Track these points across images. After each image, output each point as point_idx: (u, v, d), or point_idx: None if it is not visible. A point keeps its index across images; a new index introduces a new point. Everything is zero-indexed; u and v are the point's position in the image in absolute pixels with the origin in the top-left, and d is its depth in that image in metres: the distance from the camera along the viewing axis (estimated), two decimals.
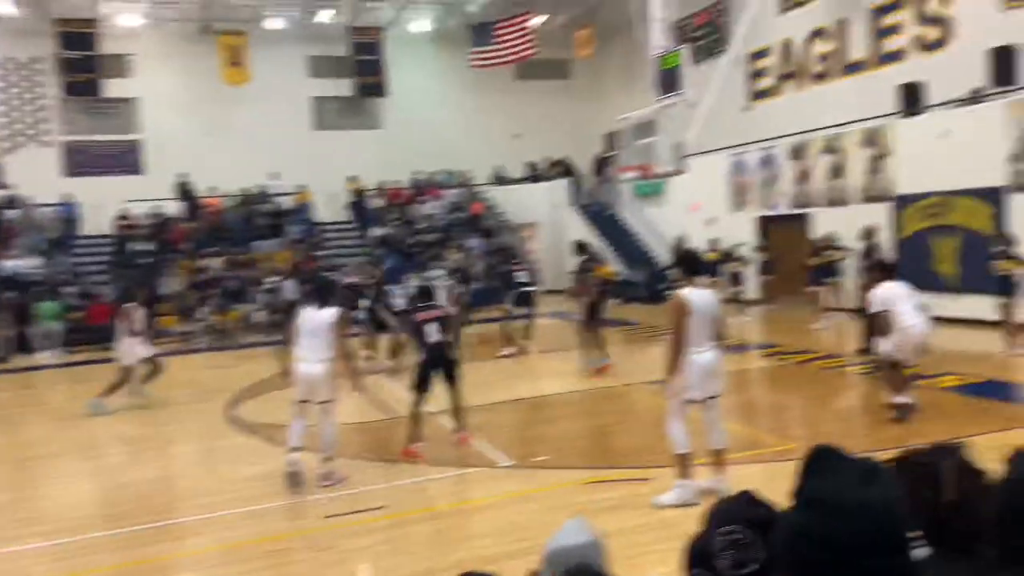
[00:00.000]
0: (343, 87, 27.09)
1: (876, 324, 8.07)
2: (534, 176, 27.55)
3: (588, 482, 6.64)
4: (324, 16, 25.65)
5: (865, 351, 9.97)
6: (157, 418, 10.74)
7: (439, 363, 7.85)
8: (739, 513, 1.64)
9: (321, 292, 7.52)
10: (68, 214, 23.00)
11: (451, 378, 7.94)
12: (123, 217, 22.68)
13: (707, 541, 1.63)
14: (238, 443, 8.86)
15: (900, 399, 8.04)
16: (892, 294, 7.95)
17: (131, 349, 11.19)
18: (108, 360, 16.95)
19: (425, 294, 8.78)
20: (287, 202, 24.73)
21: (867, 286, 8.88)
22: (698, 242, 19.92)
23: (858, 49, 18.56)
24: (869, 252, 12.86)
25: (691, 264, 6.23)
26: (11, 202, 22.67)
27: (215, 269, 20.86)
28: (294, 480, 6.87)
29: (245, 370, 14.54)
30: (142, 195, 23.35)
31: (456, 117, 27.87)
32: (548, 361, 13.65)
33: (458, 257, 22.62)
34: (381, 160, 26.47)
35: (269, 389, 12.13)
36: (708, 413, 6.10)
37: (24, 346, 18.14)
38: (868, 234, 13.34)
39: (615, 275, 22.64)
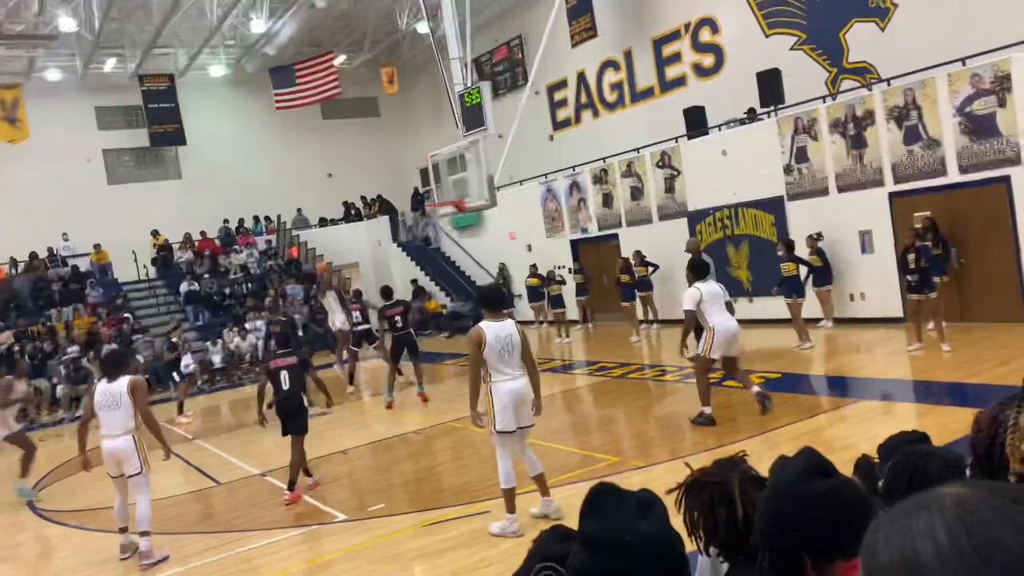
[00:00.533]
0: (137, 137, 25.62)
1: (686, 324, 8.59)
2: (352, 215, 27.24)
3: (425, 524, 6.59)
4: (108, 65, 24.17)
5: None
6: None
7: (287, 411, 7.91)
8: (552, 550, 1.69)
9: (109, 362, 7.12)
10: None
11: (296, 428, 7.96)
12: None
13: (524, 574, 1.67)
14: (42, 535, 8.05)
15: (707, 411, 8.56)
16: (700, 294, 8.39)
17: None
18: None
19: (283, 341, 8.71)
20: (83, 264, 22.91)
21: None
22: (519, 268, 20.50)
23: (645, 77, 19.92)
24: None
25: (491, 299, 6.41)
26: None
27: (5, 343, 18.89)
28: (130, 554, 6.81)
29: (49, 452, 13.29)
30: None
31: (264, 161, 27.09)
32: (378, 404, 13.47)
33: (278, 306, 21.87)
34: (186, 211, 25.19)
35: (78, 470, 11.13)
36: (520, 442, 6.24)
37: None
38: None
39: (441, 308, 22.81)
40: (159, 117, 25.24)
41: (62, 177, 24.16)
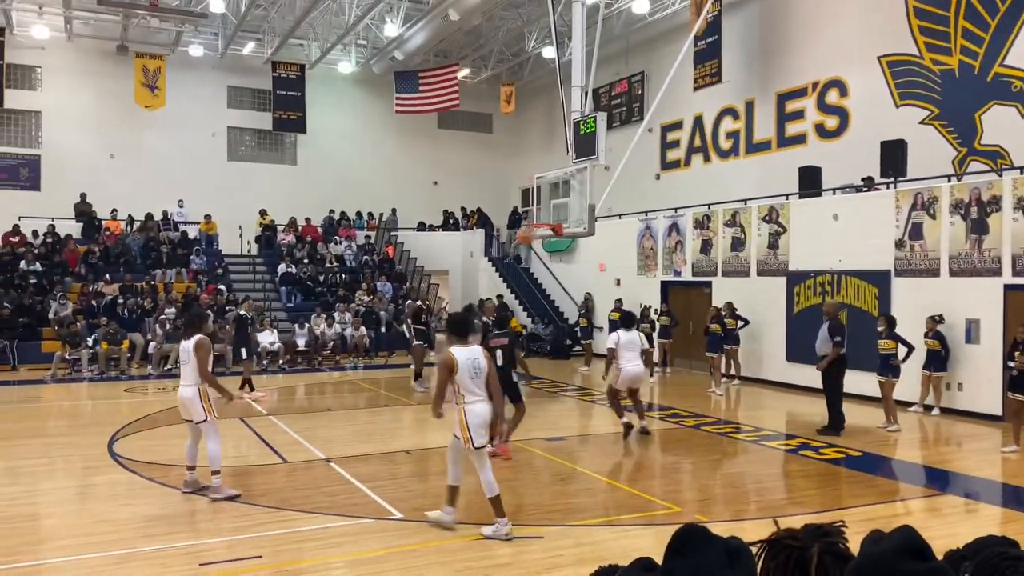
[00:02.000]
0: (261, 120, 26.76)
1: (607, 361, 10.87)
2: (450, 224, 27.72)
3: (476, 539, 6.58)
4: (247, 48, 25.39)
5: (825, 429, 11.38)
6: (29, 450, 10.11)
7: (505, 382, 8.92)
8: None
9: (187, 322, 8.33)
10: None
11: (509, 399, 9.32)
12: (14, 233, 21.53)
13: None
14: (115, 480, 8.41)
15: (623, 421, 10.77)
16: (620, 339, 10.67)
17: None
18: None
19: (499, 323, 10.33)
20: (192, 231, 24.02)
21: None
22: (604, 301, 20.38)
23: (763, 129, 19.60)
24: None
25: (458, 327, 6.83)
26: None
27: (109, 295, 19.95)
28: (191, 490, 7.71)
29: (133, 403, 13.93)
30: (37, 212, 22.28)
31: (374, 159, 27.90)
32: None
33: (367, 300, 22.37)
34: (294, 196, 26.18)
35: (157, 424, 11.63)
36: (481, 459, 6.67)
37: None
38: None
39: (521, 328, 22.87)
40: (284, 104, 26.31)
41: (187, 147, 25.46)
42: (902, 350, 11.94)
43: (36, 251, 21.08)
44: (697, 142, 21.77)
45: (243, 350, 14.91)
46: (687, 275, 18.79)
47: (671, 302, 18.83)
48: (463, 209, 27.98)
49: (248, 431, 11.38)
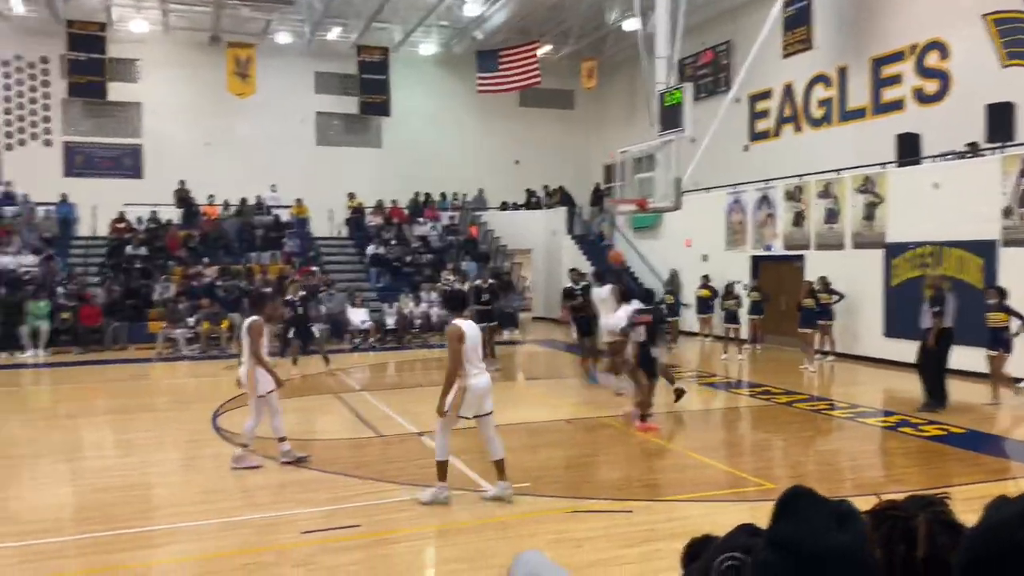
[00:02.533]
0: (347, 104, 27.28)
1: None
2: (532, 203, 27.73)
3: (568, 512, 6.62)
4: (333, 33, 25.89)
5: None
6: (140, 424, 10.69)
7: (645, 358, 9.96)
8: (738, 542, 1.65)
9: (251, 303, 9.08)
10: (65, 214, 22.98)
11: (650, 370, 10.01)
12: (120, 220, 22.68)
13: (706, 567, 1.64)
14: (220, 453, 8.82)
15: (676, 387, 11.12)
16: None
17: None
18: (94, 362, 16.94)
19: (646, 298, 10.55)
20: (284, 215, 24.79)
21: None
22: (691, 277, 20.06)
23: (857, 96, 18.81)
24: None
25: (455, 302, 7.34)
26: (9, 199, 22.66)
27: (209, 277, 20.83)
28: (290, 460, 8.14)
29: (232, 380, 14.53)
30: (140, 199, 23.37)
31: (457, 140, 28.10)
32: (533, 388, 13.65)
33: (453, 279, 22.66)
34: (380, 178, 26.66)
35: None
36: (484, 429, 6.90)
37: (10, 343, 18.04)
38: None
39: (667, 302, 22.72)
40: (370, 87, 26.75)
41: (277, 133, 26.21)
42: (1014, 323, 11.32)
43: (140, 236, 22.16)
44: (787, 111, 21.07)
45: (311, 327, 15.77)
46: (778, 249, 18.29)
47: (761, 277, 18.38)
48: (545, 187, 27.94)
49: (343, 406, 11.73)
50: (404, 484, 7.42)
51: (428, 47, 27.31)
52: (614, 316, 11.71)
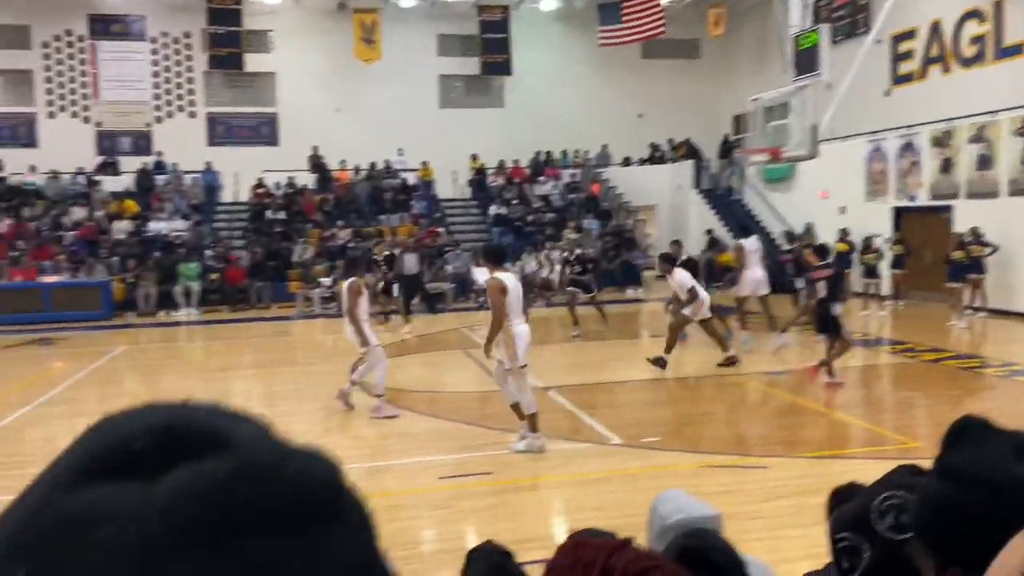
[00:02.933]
0: (469, 65, 27.43)
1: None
2: (656, 157, 27.14)
3: (698, 466, 6.56)
4: None
5: None
6: (285, 377, 11.33)
7: (822, 317, 9.40)
8: (902, 481, 1.60)
9: (345, 265, 9.33)
10: (210, 181, 24.42)
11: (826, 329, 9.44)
12: (259, 186, 23.87)
13: (864, 505, 1.60)
14: (361, 404, 9.23)
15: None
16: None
17: None
18: (241, 320, 18.06)
19: (821, 253, 10.01)
20: (411, 178, 25.38)
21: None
22: (827, 231, 19.17)
23: (1016, 31, 17.22)
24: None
25: (496, 255, 7.45)
26: (160, 168, 24.28)
27: (342, 239, 21.67)
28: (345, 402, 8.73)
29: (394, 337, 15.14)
30: (276, 166, 24.48)
31: (579, 96, 27.74)
32: (657, 346, 13.50)
33: (575, 238, 22.60)
34: (502, 139, 26.72)
35: (389, 355, 12.59)
36: (522, 379, 7.07)
37: (166, 303, 19.45)
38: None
39: (734, 263, 22.12)
40: (491, 47, 26.78)
41: (402, 97, 26.70)
42: None
43: (279, 201, 23.27)
44: (934, 51, 19.56)
45: (395, 287, 16.48)
46: (923, 199, 17.17)
47: (904, 229, 17.34)
48: (670, 141, 27.26)
49: (470, 361, 12.01)
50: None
51: (549, 2, 27.01)
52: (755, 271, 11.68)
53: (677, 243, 13.56)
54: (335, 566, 0.40)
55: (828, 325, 9.51)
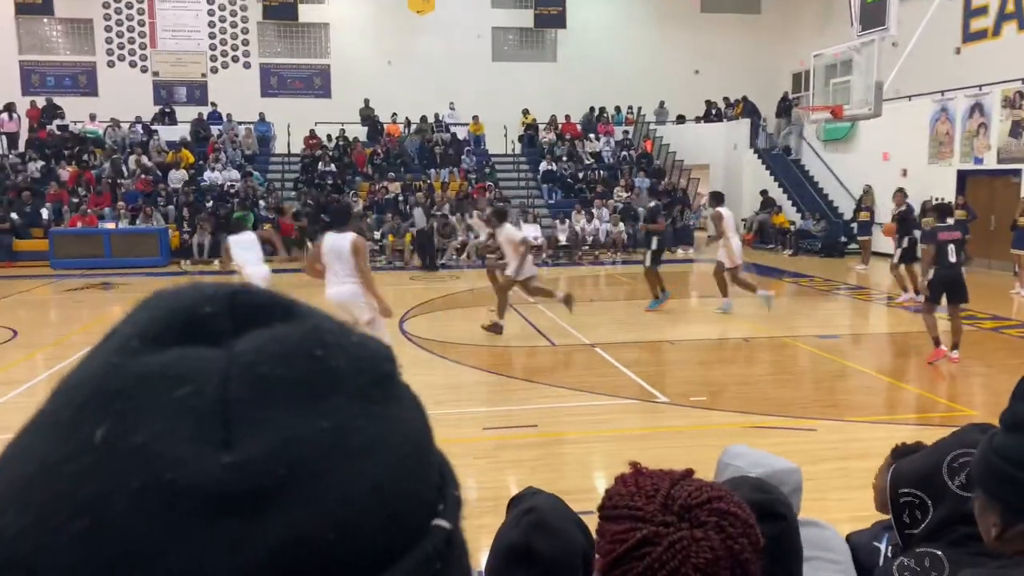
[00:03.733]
0: (523, 18, 27.05)
1: None
2: (712, 115, 26.55)
3: (746, 427, 6.51)
4: None
5: None
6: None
7: (953, 283, 8.15)
8: (971, 437, 1.56)
9: (335, 217, 7.47)
10: (263, 132, 24.64)
11: (958, 297, 8.24)
12: (312, 138, 24.02)
13: (934, 463, 1.56)
14: (409, 354, 9.34)
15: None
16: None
17: None
18: (293, 270, 18.31)
19: (944, 212, 9.16)
20: (462, 132, 25.26)
21: None
22: (886, 194, 18.61)
23: None
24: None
25: (499, 215, 9.64)
26: (215, 118, 24.57)
27: (392, 193, 21.75)
28: None
29: (415, 289, 15.26)
30: (328, 118, 24.58)
31: (634, 51, 27.19)
32: (709, 306, 13.35)
33: (626, 196, 22.34)
34: (554, 94, 26.37)
35: (436, 308, 12.70)
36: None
37: (220, 252, 19.79)
38: None
39: (789, 225, 21.66)
40: None
41: (454, 50, 26.47)
42: None
43: (331, 154, 23.40)
44: (1010, 7, 18.62)
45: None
46: (991, 162, 16.54)
47: (969, 193, 16.75)
48: (726, 99, 26.61)
49: (519, 317, 12.03)
50: (579, 391, 7.56)
51: None
52: None
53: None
54: (402, 437, 0.41)
55: (964, 291, 8.39)
